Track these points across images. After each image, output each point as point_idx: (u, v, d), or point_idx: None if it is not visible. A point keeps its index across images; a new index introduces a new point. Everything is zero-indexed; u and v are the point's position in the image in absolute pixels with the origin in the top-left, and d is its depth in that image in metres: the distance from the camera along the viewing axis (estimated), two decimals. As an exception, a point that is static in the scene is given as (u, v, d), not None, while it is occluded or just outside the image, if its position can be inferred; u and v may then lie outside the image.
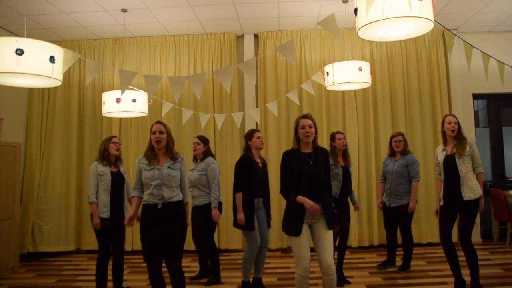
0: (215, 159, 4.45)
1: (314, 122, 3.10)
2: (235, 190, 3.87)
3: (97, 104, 6.08)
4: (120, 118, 6.00)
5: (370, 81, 4.51)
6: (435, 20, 2.69)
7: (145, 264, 3.35)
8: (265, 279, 4.20)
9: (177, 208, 3.19)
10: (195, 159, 4.48)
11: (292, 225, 3.01)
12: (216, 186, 4.24)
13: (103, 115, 4.75)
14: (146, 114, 4.91)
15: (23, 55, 2.94)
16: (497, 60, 4.14)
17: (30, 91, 6.15)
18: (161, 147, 3.22)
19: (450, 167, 3.70)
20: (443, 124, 3.79)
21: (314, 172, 3.04)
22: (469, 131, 6.00)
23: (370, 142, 5.96)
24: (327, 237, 3.00)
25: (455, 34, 3.99)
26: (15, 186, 5.21)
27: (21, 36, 3.41)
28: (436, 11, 5.28)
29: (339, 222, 3.51)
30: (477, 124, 6.42)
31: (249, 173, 3.84)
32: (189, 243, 4.74)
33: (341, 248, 4.19)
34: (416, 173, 4.50)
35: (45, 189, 5.97)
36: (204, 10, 5.34)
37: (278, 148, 5.99)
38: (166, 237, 3.10)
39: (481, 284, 3.60)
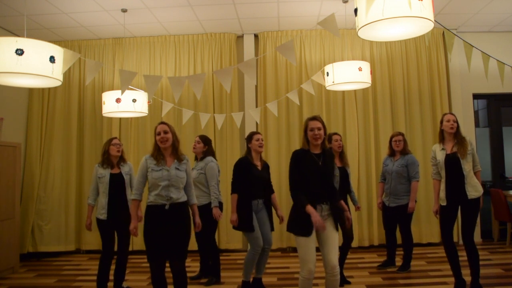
0: (215, 159, 4.44)
1: (323, 124, 3.11)
2: (231, 191, 3.93)
3: (97, 104, 6.08)
4: (120, 118, 6.00)
5: (370, 81, 4.51)
6: (435, 20, 2.69)
7: (145, 264, 3.36)
8: (265, 279, 4.20)
9: (183, 208, 3.21)
10: (196, 158, 4.49)
11: (302, 225, 2.96)
12: (216, 185, 4.21)
13: (103, 115, 4.75)
14: (146, 114, 4.91)
15: (23, 55, 2.94)
16: (497, 60, 4.14)
17: (30, 91, 6.15)
18: (167, 146, 3.23)
19: (452, 166, 3.69)
20: (441, 122, 3.79)
21: (324, 173, 3.06)
22: (469, 131, 6.00)
23: (370, 142, 5.96)
24: (334, 237, 3.01)
25: (455, 34, 3.99)
26: (15, 186, 5.21)
27: (21, 36, 3.41)
28: (436, 11, 5.28)
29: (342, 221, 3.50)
30: (477, 124, 6.42)
31: (246, 175, 3.86)
32: (190, 243, 4.73)
33: (344, 248, 4.18)
34: (415, 173, 4.50)
35: (45, 189, 5.97)
36: (204, 10, 5.34)
37: (278, 148, 5.99)
38: (171, 237, 3.10)
39: (481, 284, 3.61)
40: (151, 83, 3.79)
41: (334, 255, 2.98)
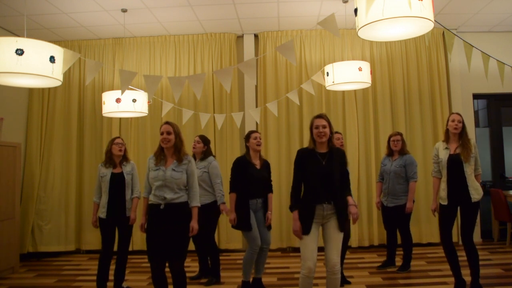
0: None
1: (329, 122, 3.10)
2: (230, 191, 3.93)
3: (97, 104, 6.08)
4: (120, 118, 6.00)
5: (370, 81, 4.51)
6: (435, 20, 2.69)
7: (145, 264, 3.37)
8: (265, 279, 4.20)
9: (180, 209, 3.17)
10: (194, 157, 4.48)
11: (301, 223, 3.02)
12: (220, 183, 4.28)
13: (103, 115, 4.75)
14: (146, 114, 4.91)
15: (23, 55, 2.94)
16: (497, 60, 4.14)
17: (30, 91, 6.15)
18: (168, 147, 3.23)
19: (454, 167, 3.68)
20: (448, 121, 3.80)
21: (326, 172, 3.04)
22: (469, 131, 5.92)
23: (370, 142, 5.96)
24: (336, 237, 3.01)
25: (455, 34, 3.99)
26: (15, 186, 5.21)
27: (21, 36, 3.41)
28: (436, 11, 5.28)
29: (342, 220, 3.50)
30: (477, 124, 6.42)
31: (244, 174, 3.86)
32: (191, 243, 4.73)
33: (341, 248, 4.17)
34: (413, 174, 4.50)
35: (45, 189, 5.97)
36: (204, 10, 5.34)
37: (278, 148, 6.00)
38: (169, 237, 3.10)
39: (481, 284, 3.61)
40: (151, 83, 3.79)
41: (335, 254, 2.98)
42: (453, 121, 3.72)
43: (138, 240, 5.76)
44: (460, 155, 3.65)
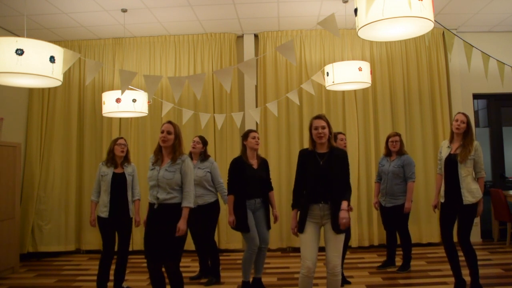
0: None
1: (328, 123, 3.11)
2: (227, 193, 3.95)
3: (97, 104, 6.08)
4: (120, 118, 5.99)
5: (370, 81, 4.51)
6: (435, 20, 2.68)
7: (145, 264, 3.36)
8: (265, 279, 4.20)
9: (173, 210, 3.15)
10: (191, 157, 4.46)
11: (298, 222, 3.13)
12: (223, 183, 4.35)
13: (103, 115, 4.75)
14: (146, 114, 4.91)
15: (23, 55, 2.94)
16: (497, 60, 4.14)
17: (30, 91, 6.15)
18: (166, 146, 3.24)
19: (451, 167, 3.69)
20: (453, 120, 3.78)
21: (323, 172, 3.04)
22: (469, 131, 5.99)
23: (370, 142, 5.96)
24: (335, 238, 3.00)
25: (455, 34, 3.99)
26: (15, 186, 5.21)
27: (21, 36, 3.41)
28: (436, 11, 5.28)
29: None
30: (477, 124, 6.42)
31: (241, 175, 3.86)
32: (189, 243, 4.74)
33: (343, 248, 4.18)
34: (411, 174, 4.51)
35: (45, 189, 5.97)
36: (204, 10, 5.34)
37: (278, 148, 5.99)
38: (162, 238, 3.10)
39: (481, 284, 3.60)
40: (151, 83, 3.79)
41: (334, 255, 2.98)
42: (456, 120, 3.70)
43: (138, 240, 5.76)
44: (457, 156, 3.64)
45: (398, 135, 4.66)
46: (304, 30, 6.00)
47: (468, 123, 3.68)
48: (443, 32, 5.50)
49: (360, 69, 4.32)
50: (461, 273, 3.72)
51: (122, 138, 4.10)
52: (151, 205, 3.23)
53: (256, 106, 5.98)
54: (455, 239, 3.70)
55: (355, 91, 5.94)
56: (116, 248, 3.97)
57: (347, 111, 6.00)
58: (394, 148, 4.60)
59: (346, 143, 4.25)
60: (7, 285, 4.54)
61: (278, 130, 6.02)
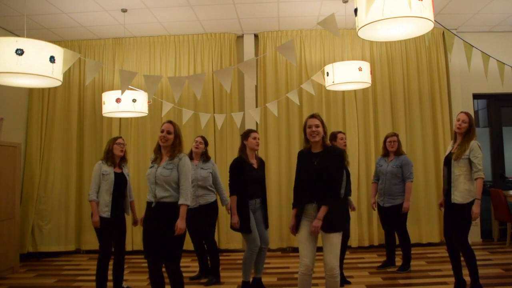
0: None
1: (322, 122, 3.11)
2: (230, 193, 3.91)
3: (97, 104, 6.08)
4: (120, 118, 5.99)
5: (370, 81, 4.51)
6: (435, 20, 2.68)
7: (145, 264, 3.36)
8: (265, 279, 4.20)
9: (171, 209, 3.13)
10: (190, 157, 4.45)
11: (295, 222, 3.15)
12: (223, 185, 4.43)
13: (103, 115, 4.75)
14: (146, 114, 4.91)
15: (23, 55, 2.94)
16: (497, 60, 4.14)
17: (30, 91, 6.15)
18: (166, 145, 3.25)
19: (447, 166, 3.72)
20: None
21: (316, 173, 3.03)
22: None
23: (370, 142, 5.96)
24: (330, 238, 2.99)
25: (455, 34, 3.99)
26: (15, 186, 5.21)
27: (21, 36, 3.41)
28: (436, 11, 5.28)
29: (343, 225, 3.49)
30: (477, 124, 6.40)
31: (242, 176, 3.84)
32: (190, 243, 4.74)
33: (341, 248, 4.17)
34: (410, 174, 4.52)
35: (45, 189, 5.97)
36: (204, 10, 5.34)
37: (278, 148, 5.99)
38: (160, 237, 3.10)
39: (481, 284, 3.60)
40: (151, 83, 3.79)
41: (332, 257, 2.96)
42: (458, 120, 3.69)
43: (138, 240, 5.76)
44: (453, 155, 3.65)
45: (396, 135, 4.67)
46: (304, 30, 6.00)
47: (470, 123, 3.65)
48: (443, 32, 5.49)
49: (360, 69, 4.32)
50: (461, 273, 3.72)
51: (121, 137, 4.09)
52: (148, 204, 3.23)
53: (256, 106, 5.98)
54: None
55: (355, 91, 5.94)
56: (112, 248, 3.96)
57: (347, 111, 6.00)
58: (392, 148, 4.61)
59: (346, 143, 4.25)
60: (7, 285, 4.54)
61: (278, 130, 6.02)
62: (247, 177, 3.85)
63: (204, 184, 4.31)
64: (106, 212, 3.84)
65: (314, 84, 4.81)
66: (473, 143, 3.58)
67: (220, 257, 4.49)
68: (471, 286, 3.61)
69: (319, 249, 3.06)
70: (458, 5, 5.33)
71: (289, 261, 5.24)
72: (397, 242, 4.71)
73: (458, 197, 3.57)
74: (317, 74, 4.71)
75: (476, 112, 6.47)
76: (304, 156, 3.17)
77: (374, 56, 6.06)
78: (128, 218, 4.12)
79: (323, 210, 2.96)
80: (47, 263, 5.55)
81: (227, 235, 5.85)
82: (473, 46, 3.84)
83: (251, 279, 3.94)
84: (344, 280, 4.14)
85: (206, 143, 4.48)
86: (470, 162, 3.55)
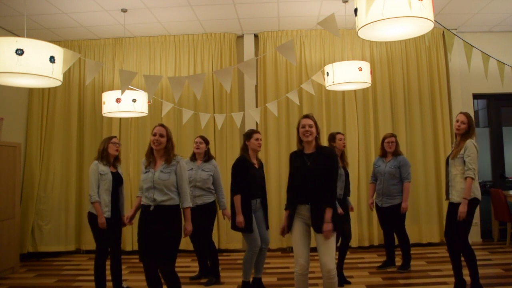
0: None
1: (315, 122, 3.09)
2: (233, 193, 3.86)
3: (97, 104, 6.08)
4: (120, 118, 6.00)
5: (370, 81, 4.51)
6: (435, 20, 2.68)
7: (145, 264, 3.34)
8: (265, 279, 4.20)
9: (170, 212, 3.15)
10: (193, 158, 4.46)
11: (288, 222, 3.15)
12: (223, 187, 4.42)
13: (103, 115, 4.75)
14: (146, 114, 4.91)
15: (23, 55, 2.94)
16: (497, 60, 4.14)
17: (30, 91, 6.15)
18: (158, 149, 3.24)
19: (446, 166, 3.80)
20: None
21: (309, 174, 3.02)
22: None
23: (370, 142, 5.96)
24: (321, 239, 2.96)
25: (455, 34, 3.99)
26: (15, 186, 5.21)
27: (21, 36, 3.41)
28: (436, 11, 5.28)
29: (340, 226, 3.48)
30: (477, 124, 6.42)
31: (245, 175, 3.83)
32: (189, 243, 4.74)
33: (342, 248, 4.19)
34: (408, 174, 4.53)
35: (45, 189, 5.97)
36: (204, 10, 5.34)
37: (278, 148, 5.99)
38: (157, 239, 3.09)
39: (481, 284, 3.60)
40: (151, 83, 3.79)
41: (328, 259, 2.95)
42: (457, 121, 3.70)
43: (138, 240, 5.76)
44: (450, 155, 3.70)
45: (394, 136, 4.68)
46: (304, 30, 6.00)
47: (469, 123, 3.65)
48: (443, 32, 5.49)
49: (360, 69, 4.32)
50: (461, 273, 3.72)
51: (115, 137, 4.07)
52: (145, 207, 3.20)
53: (256, 106, 5.98)
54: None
55: (355, 91, 5.94)
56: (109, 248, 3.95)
57: (347, 111, 6.00)
58: (390, 149, 4.62)
59: (345, 143, 4.26)
60: (7, 285, 4.54)
61: (278, 130, 6.02)
62: (251, 176, 3.84)
63: (203, 186, 4.30)
64: (106, 212, 3.83)
65: (314, 84, 4.81)
66: (468, 142, 3.58)
67: (220, 257, 4.49)
68: (471, 286, 3.61)
69: (313, 249, 3.04)
70: (458, 5, 5.33)
71: (289, 261, 5.24)
72: (396, 242, 4.71)
73: (455, 196, 3.60)
74: (317, 74, 4.71)
75: (476, 112, 6.47)
76: (297, 157, 3.15)
77: (374, 56, 6.06)
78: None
79: (329, 212, 2.93)
80: (47, 263, 5.54)
81: (227, 235, 5.84)
82: (473, 46, 3.84)
83: (251, 279, 3.94)
84: (344, 280, 4.15)
85: (206, 142, 4.45)
86: (462, 161, 3.58)
